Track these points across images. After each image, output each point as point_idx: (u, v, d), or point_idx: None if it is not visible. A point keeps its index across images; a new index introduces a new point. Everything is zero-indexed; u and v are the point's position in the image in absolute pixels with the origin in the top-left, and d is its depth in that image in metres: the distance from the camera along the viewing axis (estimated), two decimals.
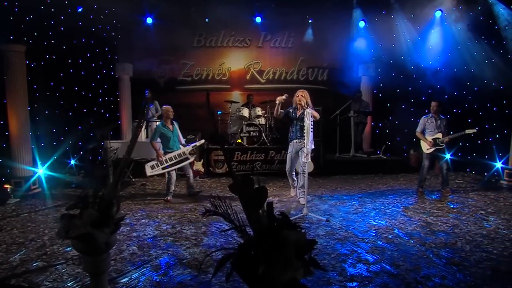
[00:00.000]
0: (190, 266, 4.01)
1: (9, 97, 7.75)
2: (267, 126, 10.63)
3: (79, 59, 9.86)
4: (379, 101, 11.95)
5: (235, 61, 12.50)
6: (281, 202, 6.98)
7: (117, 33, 11.09)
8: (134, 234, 5.15)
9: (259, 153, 9.92)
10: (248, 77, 12.56)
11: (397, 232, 5.14)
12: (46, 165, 8.15)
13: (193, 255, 4.33)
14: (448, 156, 7.33)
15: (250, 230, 1.95)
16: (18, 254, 4.42)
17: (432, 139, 7.22)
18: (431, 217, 5.85)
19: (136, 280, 3.71)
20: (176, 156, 7.18)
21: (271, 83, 12.57)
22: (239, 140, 10.09)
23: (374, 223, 5.62)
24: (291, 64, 12.59)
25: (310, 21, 12.12)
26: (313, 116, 6.12)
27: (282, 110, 6.81)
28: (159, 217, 6.02)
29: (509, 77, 8.55)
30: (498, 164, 8.65)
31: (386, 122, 11.78)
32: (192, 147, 7.42)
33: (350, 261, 4.14)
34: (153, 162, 7.13)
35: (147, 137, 10.33)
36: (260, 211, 1.95)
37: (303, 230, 1.95)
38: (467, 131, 7.04)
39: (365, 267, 3.98)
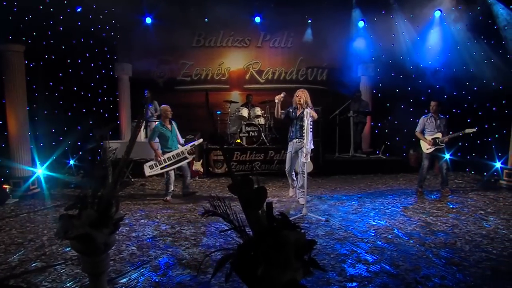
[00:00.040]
0: (189, 267, 4.00)
1: (8, 97, 7.75)
2: (267, 126, 10.62)
3: (78, 59, 9.85)
4: (378, 101, 11.96)
5: (234, 61, 12.49)
6: (280, 202, 6.98)
7: (116, 33, 11.06)
8: (133, 234, 5.14)
9: (259, 153, 9.91)
10: (247, 77, 12.56)
11: (397, 232, 5.14)
12: (45, 165, 8.13)
13: (192, 256, 4.32)
14: (447, 156, 7.33)
15: (250, 230, 1.95)
16: (17, 255, 4.41)
17: (432, 138, 7.22)
18: (431, 217, 5.85)
19: (135, 281, 3.70)
20: (175, 155, 7.17)
21: (270, 83, 12.56)
22: (239, 140, 10.08)
23: (373, 223, 5.62)
24: (291, 64, 12.58)
25: (309, 21, 12.10)
26: (311, 116, 6.11)
27: (282, 111, 6.79)
28: (158, 217, 6.01)
29: (508, 77, 8.55)
30: (498, 164, 8.65)
31: (385, 122, 11.79)
32: (191, 146, 7.42)
33: (349, 261, 4.14)
34: (152, 162, 7.13)
35: (146, 137, 10.31)
36: (260, 211, 1.94)
37: (302, 230, 1.95)
38: (467, 131, 7.04)
39: (365, 267, 3.97)
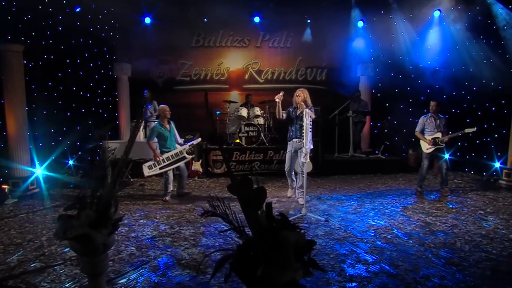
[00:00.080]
0: (188, 267, 4.00)
1: (7, 97, 7.73)
2: (266, 126, 10.62)
3: (77, 59, 9.83)
4: (377, 101, 11.96)
5: (233, 61, 12.48)
6: (280, 202, 6.97)
7: (115, 33, 11.06)
8: (133, 234, 5.13)
9: (258, 153, 9.91)
10: (246, 77, 12.55)
11: (396, 232, 5.13)
12: (44, 165, 8.12)
13: (191, 256, 4.31)
14: (447, 155, 7.34)
15: (249, 230, 1.94)
16: (16, 255, 4.39)
17: (432, 138, 7.23)
18: (430, 217, 5.85)
19: (135, 281, 3.69)
20: (173, 155, 7.17)
21: (269, 83, 12.55)
22: (238, 140, 10.07)
23: (373, 223, 5.61)
24: (290, 64, 12.57)
25: (308, 21, 12.10)
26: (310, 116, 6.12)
27: (284, 111, 6.78)
28: (157, 217, 6.00)
29: (507, 76, 8.55)
30: (497, 164, 8.65)
31: (384, 122, 11.80)
32: (189, 146, 7.42)
33: (349, 261, 4.13)
34: (151, 163, 7.12)
35: (145, 137, 10.29)
36: (259, 211, 1.94)
37: (302, 231, 1.94)
38: (466, 130, 7.05)
39: (364, 267, 3.97)
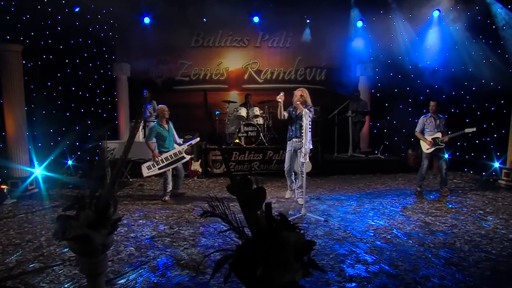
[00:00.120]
0: (188, 267, 3.99)
1: (6, 97, 7.72)
2: (265, 126, 10.62)
3: (76, 59, 9.83)
4: (377, 101, 11.97)
5: (233, 61, 12.47)
6: (279, 202, 6.96)
7: (114, 32, 11.04)
8: (132, 234, 5.12)
9: (257, 153, 9.90)
10: (246, 77, 12.54)
11: (396, 232, 5.13)
12: (43, 165, 8.11)
13: (191, 256, 4.31)
14: (446, 155, 7.34)
15: (248, 231, 1.93)
16: (15, 255, 4.38)
17: (432, 138, 7.23)
18: (430, 217, 5.85)
19: (134, 281, 3.68)
20: (172, 155, 7.16)
21: (269, 83, 12.55)
22: (237, 140, 10.07)
23: (372, 223, 5.61)
24: (289, 64, 12.57)
25: (308, 21, 12.10)
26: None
27: (285, 112, 6.75)
28: (156, 217, 5.99)
29: (506, 76, 8.56)
30: (496, 164, 8.66)
31: (384, 122, 11.80)
32: (188, 145, 7.41)
33: (348, 261, 4.13)
34: (149, 163, 7.11)
35: (144, 137, 10.30)
36: (259, 212, 1.93)
37: (301, 231, 1.93)
38: (466, 130, 7.06)
39: (364, 267, 3.96)
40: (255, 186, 1.95)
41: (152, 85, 11.71)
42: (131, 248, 4.58)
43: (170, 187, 7.24)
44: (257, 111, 10.41)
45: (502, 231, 5.15)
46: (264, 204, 1.93)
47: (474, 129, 7.06)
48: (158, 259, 4.24)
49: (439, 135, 7.21)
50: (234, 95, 12.32)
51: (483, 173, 8.99)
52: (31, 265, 4.10)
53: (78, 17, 9.50)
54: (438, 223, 5.55)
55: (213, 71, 12.39)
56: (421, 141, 7.43)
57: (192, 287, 3.57)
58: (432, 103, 7.35)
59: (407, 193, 7.66)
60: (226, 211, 2.05)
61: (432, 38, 10.79)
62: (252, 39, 12.40)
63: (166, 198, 7.13)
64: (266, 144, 10.10)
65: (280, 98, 6.55)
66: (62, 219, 2.43)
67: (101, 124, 10.21)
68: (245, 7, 11.50)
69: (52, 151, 8.47)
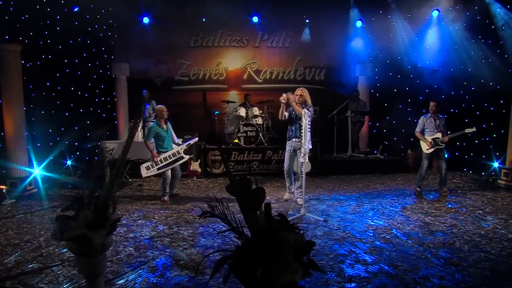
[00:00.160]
0: (187, 268, 3.98)
1: (4, 97, 7.71)
2: (264, 126, 10.62)
3: (76, 59, 9.82)
4: (376, 100, 11.97)
5: (232, 61, 12.46)
6: (278, 202, 6.96)
7: (113, 32, 11.03)
8: (131, 235, 5.11)
9: (257, 153, 9.90)
10: (245, 77, 12.53)
11: (395, 232, 5.12)
12: (42, 165, 8.09)
13: (190, 256, 4.30)
14: (446, 156, 7.34)
15: (248, 231, 1.93)
16: (13, 256, 4.37)
17: (432, 139, 7.23)
18: (429, 217, 5.85)
19: (133, 282, 3.67)
20: (171, 155, 7.15)
21: (268, 83, 12.54)
22: (236, 140, 10.06)
23: (372, 223, 5.61)
24: (288, 64, 12.56)
25: (307, 20, 12.09)
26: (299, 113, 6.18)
27: (286, 113, 6.72)
28: (156, 217, 5.98)
29: (506, 76, 8.56)
30: (495, 164, 8.66)
31: (383, 122, 11.80)
32: (186, 145, 7.40)
33: (348, 261, 4.12)
34: (148, 163, 7.10)
35: (143, 137, 10.28)
36: (258, 212, 1.92)
37: (301, 231, 1.93)
38: (467, 131, 7.07)
39: (363, 267, 3.96)
40: (254, 186, 1.94)
41: (151, 85, 11.68)
42: (130, 249, 4.57)
43: (169, 187, 7.23)
44: (256, 111, 10.41)
45: (502, 231, 5.15)
46: (263, 204, 1.92)
47: (474, 129, 7.07)
48: (157, 260, 4.23)
49: (439, 135, 7.21)
50: (233, 95, 12.31)
51: (483, 173, 8.99)
52: (30, 266, 4.09)
53: (77, 17, 9.49)
54: (437, 223, 5.55)
55: (212, 71, 12.38)
56: (421, 141, 7.43)
57: (191, 287, 3.56)
58: (432, 104, 7.36)
59: (407, 193, 7.65)
60: (225, 211, 2.05)
61: (432, 38, 10.80)
62: (251, 39, 12.38)
63: (166, 198, 7.12)
64: (265, 144, 10.10)
65: (284, 99, 6.51)
66: (61, 220, 2.42)
67: (100, 124, 10.20)
68: (244, 7, 11.49)
69: (51, 151, 8.46)
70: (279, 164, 9.61)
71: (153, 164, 7.04)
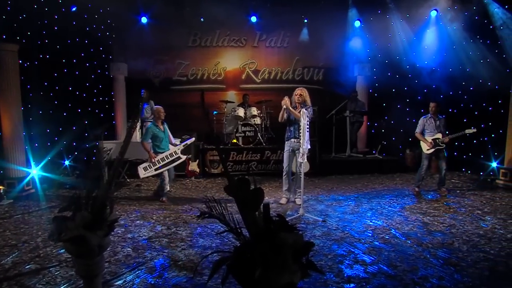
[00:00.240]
0: (185, 268, 3.96)
1: (2, 96, 7.68)
2: (263, 126, 10.60)
3: (73, 59, 9.79)
4: (374, 100, 11.96)
5: (230, 61, 12.43)
6: (277, 203, 6.94)
7: (111, 32, 11.00)
8: (129, 235, 5.10)
9: (255, 153, 9.89)
10: (243, 77, 12.51)
11: (394, 233, 5.12)
12: (40, 165, 8.07)
13: (188, 257, 4.28)
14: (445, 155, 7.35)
15: (246, 231, 1.92)
16: (11, 257, 4.35)
17: (432, 139, 7.24)
18: (428, 217, 5.84)
19: (131, 283, 3.66)
20: (168, 156, 7.12)
21: (266, 83, 12.52)
22: (235, 140, 10.05)
23: (370, 223, 5.60)
24: (287, 64, 12.55)
25: (305, 20, 12.08)
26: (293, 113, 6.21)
27: (285, 115, 6.65)
28: (154, 218, 5.96)
29: (504, 76, 8.57)
30: (494, 164, 8.66)
31: (381, 122, 11.80)
32: (183, 146, 7.38)
33: (347, 262, 4.11)
34: (146, 164, 7.07)
35: (141, 137, 10.26)
36: (256, 213, 1.91)
37: (300, 232, 1.91)
38: (467, 131, 7.08)
39: (362, 268, 3.95)
40: (253, 187, 1.93)
41: (149, 85, 11.62)
42: (128, 249, 4.55)
43: (167, 187, 7.22)
44: (254, 111, 10.40)
45: (500, 231, 5.14)
46: (262, 204, 1.91)
47: (475, 130, 7.08)
48: (155, 260, 4.22)
49: (439, 135, 7.22)
50: (231, 95, 12.29)
51: (481, 173, 8.99)
52: (27, 267, 4.07)
53: (75, 17, 9.47)
54: (436, 223, 5.54)
55: (210, 71, 12.35)
56: (421, 142, 7.43)
57: None
58: (432, 104, 7.35)
59: (405, 193, 7.65)
60: (224, 212, 2.03)
61: (430, 38, 10.80)
62: (249, 39, 12.36)
63: (164, 198, 7.11)
64: (264, 144, 10.09)
65: (285, 103, 6.47)
66: (58, 220, 2.40)
67: (98, 124, 10.17)
68: (243, 7, 11.47)
69: (48, 151, 8.44)
70: (277, 164, 9.61)
71: (151, 164, 7.01)
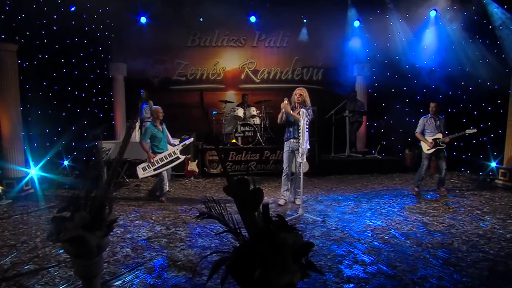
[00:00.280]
0: (184, 268, 3.96)
1: (1, 96, 7.68)
2: (262, 126, 10.60)
3: (72, 59, 9.77)
4: (374, 100, 11.96)
5: (229, 61, 12.42)
6: (275, 203, 6.92)
7: (110, 32, 10.98)
8: (128, 235, 5.09)
9: (254, 153, 9.88)
10: (242, 76, 12.49)
11: (393, 233, 5.12)
12: (39, 165, 8.06)
13: (187, 257, 4.27)
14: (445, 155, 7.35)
15: (246, 232, 1.91)
16: (9, 257, 4.34)
17: (433, 139, 7.23)
18: (427, 217, 5.84)
19: (130, 283, 3.65)
20: (167, 156, 7.12)
21: (265, 82, 12.51)
22: (234, 140, 10.04)
23: (370, 223, 5.60)
24: (286, 64, 12.54)
25: (304, 20, 12.07)
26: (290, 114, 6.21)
27: (284, 116, 6.64)
28: (153, 218, 5.95)
29: (503, 76, 8.56)
30: (493, 164, 8.67)
31: (381, 122, 11.79)
32: (182, 146, 7.37)
33: (346, 262, 4.11)
34: (144, 164, 7.07)
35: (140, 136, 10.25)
36: (256, 213, 1.91)
37: (299, 232, 1.91)
38: (467, 131, 7.08)
39: (362, 268, 3.94)
40: (252, 187, 1.92)
41: (148, 85, 11.61)
42: (127, 249, 4.54)
43: (166, 187, 7.21)
44: (254, 111, 10.39)
45: (500, 231, 5.14)
46: (261, 205, 1.91)
47: (475, 130, 7.08)
48: (154, 260, 4.21)
49: (439, 135, 7.21)
50: (231, 95, 12.28)
51: (480, 173, 8.99)
52: (26, 267, 4.06)
53: (74, 17, 9.45)
54: (435, 223, 5.54)
55: (209, 71, 12.34)
56: (421, 142, 7.42)
57: None
58: (432, 104, 7.35)
59: (405, 193, 7.65)
60: (223, 212, 2.03)
61: (429, 38, 10.81)
62: (248, 38, 12.35)
63: (163, 198, 7.10)
64: (263, 144, 10.08)
65: (284, 107, 6.45)
66: (57, 221, 2.39)
67: (97, 124, 10.16)
68: (242, 7, 11.46)
69: (47, 151, 8.43)
70: (277, 164, 9.60)
71: (150, 165, 7.01)
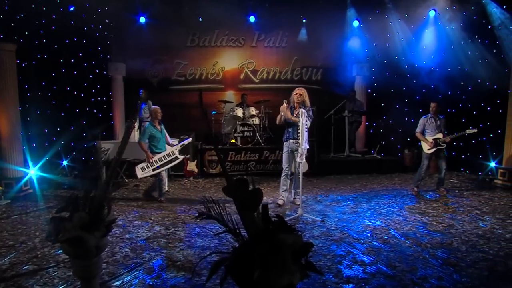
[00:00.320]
0: (183, 269, 3.95)
1: None
2: (261, 126, 10.59)
3: (71, 59, 9.77)
4: (373, 100, 11.95)
5: (228, 61, 12.41)
6: (274, 203, 6.91)
7: (109, 32, 10.96)
8: (127, 236, 5.08)
9: (253, 153, 9.87)
10: (242, 76, 12.48)
11: (393, 233, 5.11)
12: (38, 165, 8.05)
13: (186, 257, 4.27)
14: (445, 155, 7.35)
15: (245, 232, 1.90)
16: (8, 257, 4.33)
17: (433, 139, 7.24)
18: (427, 217, 5.83)
19: (129, 283, 3.64)
20: (166, 156, 7.11)
21: (265, 82, 12.50)
22: (233, 140, 10.03)
23: (369, 223, 5.59)
24: (285, 64, 12.53)
25: (304, 20, 12.06)
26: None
27: (283, 118, 6.61)
28: (152, 218, 5.95)
29: (502, 76, 8.57)
30: (492, 164, 8.67)
31: (380, 122, 11.79)
32: (180, 146, 7.36)
33: (346, 262, 4.10)
34: (143, 164, 7.06)
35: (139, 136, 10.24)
36: (255, 213, 1.90)
37: (298, 232, 1.90)
38: (468, 131, 7.09)
39: (361, 268, 3.94)
40: (251, 187, 1.92)
41: (147, 85, 11.59)
42: (126, 250, 4.53)
43: (165, 187, 7.20)
44: (253, 111, 10.38)
45: (499, 231, 5.14)
46: (260, 205, 1.90)
47: (475, 130, 7.08)
48: (153, 261, 4.20)
49: (440, 135, 7.21)
50: (230, 95, 12.27)
51: (479, 173, 9.00)
52: (24, 267, 4.05)
53: (73, 17, 9.44)
54: (435, 223, 5.54)
55: (209, 70, 12.33)
56: (422, 141, 7.42)
57: None
58: (432, 104, 7.35)
59: (404, 193, 7.64)
60: (222, 212, 2.02)
61: (428, 38, 10.81)
62: (248, 38, 12.34)
63: (162, 198, 7.09)
64: (262, 144, 10.07)
65: (283, 110, 6.43)
66: (55, 221, 2.39)
67: (96, 124, 10.15)
68: (241, 7, 11.45)
69: (46, 151, 8.42)
70: (276, 164, 9.59)
71: (148, 165, 7.00)
